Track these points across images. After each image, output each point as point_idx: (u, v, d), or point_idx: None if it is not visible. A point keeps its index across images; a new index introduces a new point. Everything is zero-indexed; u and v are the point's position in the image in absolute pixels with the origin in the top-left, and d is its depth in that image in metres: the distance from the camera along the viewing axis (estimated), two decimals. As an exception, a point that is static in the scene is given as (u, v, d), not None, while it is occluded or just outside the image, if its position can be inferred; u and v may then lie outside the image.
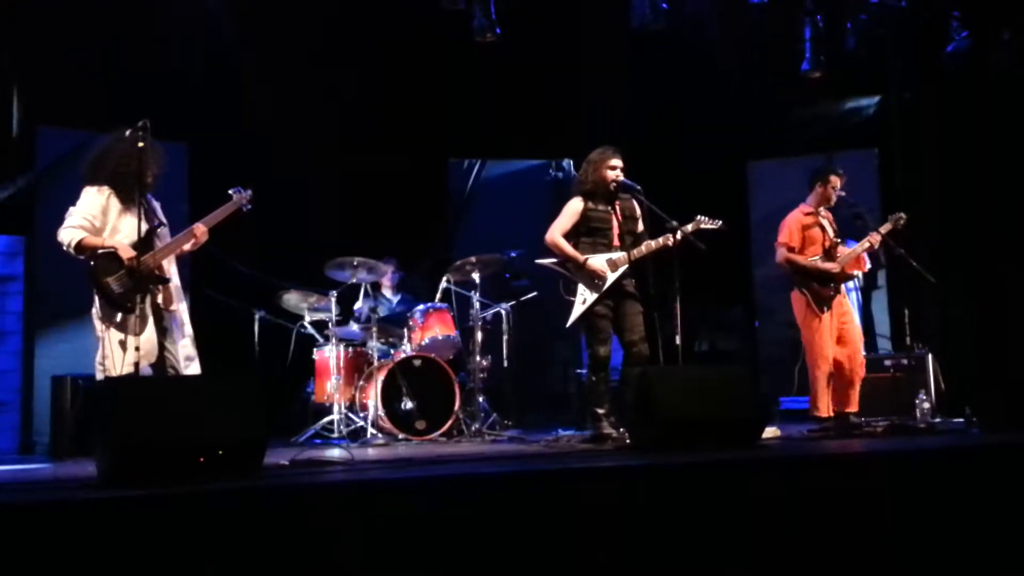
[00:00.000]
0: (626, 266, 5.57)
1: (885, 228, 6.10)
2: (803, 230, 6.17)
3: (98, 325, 4.78)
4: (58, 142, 7.24)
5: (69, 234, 4.75)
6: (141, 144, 4.71)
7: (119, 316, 4.70)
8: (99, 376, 4.71)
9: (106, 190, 4.85)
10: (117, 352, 4.70)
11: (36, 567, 2.66)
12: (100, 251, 4.75)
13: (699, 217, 5.59)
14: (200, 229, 5.04)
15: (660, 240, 5.53)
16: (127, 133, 4.70)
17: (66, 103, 7.10)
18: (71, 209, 4.84)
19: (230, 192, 5.21)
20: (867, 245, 6.08)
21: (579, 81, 8.42)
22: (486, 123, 8.68)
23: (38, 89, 7.10)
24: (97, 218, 4.81)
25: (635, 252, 5.58)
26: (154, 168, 4.94)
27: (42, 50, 6.95)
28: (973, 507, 3.81)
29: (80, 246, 4.75)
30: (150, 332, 4.79)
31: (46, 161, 7.22)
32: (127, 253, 4.73)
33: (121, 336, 4.71)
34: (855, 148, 8.51)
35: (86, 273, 4.78)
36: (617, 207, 5.67)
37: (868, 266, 6.31)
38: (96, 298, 4.76)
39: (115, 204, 4.86)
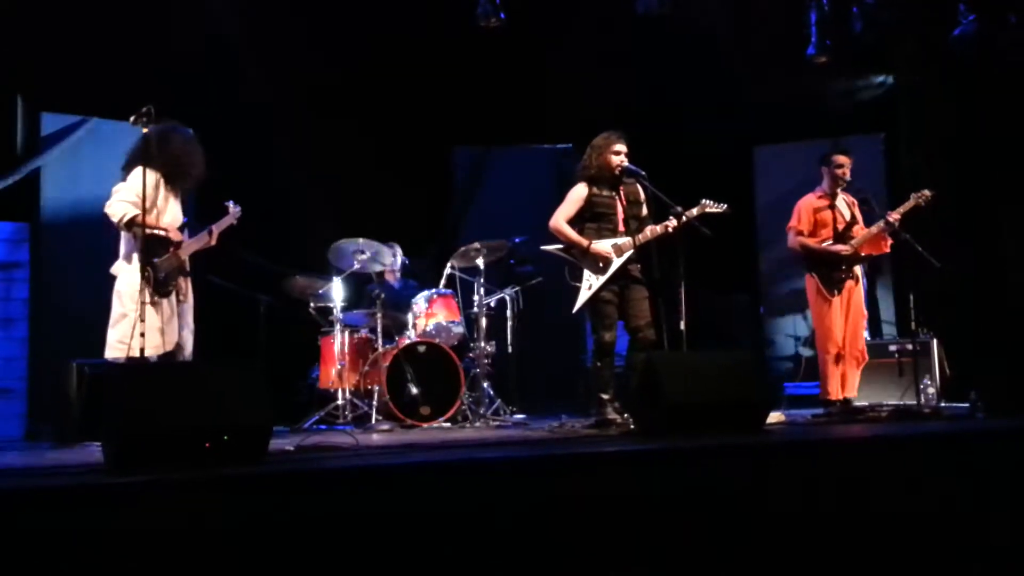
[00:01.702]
0: (631, 251, 5.56)
1: (903, 208, 6.05)
2: (814, 213, 6.17)
3: (128, 305, 4.83)
4: (62, 128, 7.25)
5: (122, 208, 4.84)
6: (145, 130, 4.77)
7: (156, 298, 4.85)
8: (118, 355, 4.75)
9: (157, 175, 4.95)
10: (152, 335, 4.82)
11: (43, 552, 2.67)
12: (152, 232, 4.88)
13: (704, 201, 5.58)
14: (215, 233, 5.27)
15: (665, 224, 5.52)
16: (176, 127, 5.00)
17: (69, 90, 7.10)
18: (120, 186, 4.94)
19: (227, 204, 5.39)
20: (883, 225, 6.04)
21: (584, 66, 8.38)
22: (491, 109, 8.66)
23: (41, 76, 7.09)
24: (148, 198, 4.88)
25: (640, 237, 5.56)
26: (202, 165, 5.09)
27: (45, 37, 6.94)
28: (978, 491, 3.81)
29: (132, 222, 4.85)
30: (175, 319, 4.94)
31: (50, 147, 7.22)
32: (176, 237, 4.96)
33: (158, 320, 4.86)
34: (861, 133, 8.49)
35: (139, 251, 4.88)
36: (621, 192, 5.65)
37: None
38: (139, 278, 4.84)
39: (163, 189, 4.98)
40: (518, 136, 9.12)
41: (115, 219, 4.85)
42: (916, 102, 8.44)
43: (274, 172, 7.58)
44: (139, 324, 4.62)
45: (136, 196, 4.82)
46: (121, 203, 4.85)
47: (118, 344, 4.80)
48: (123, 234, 4.99)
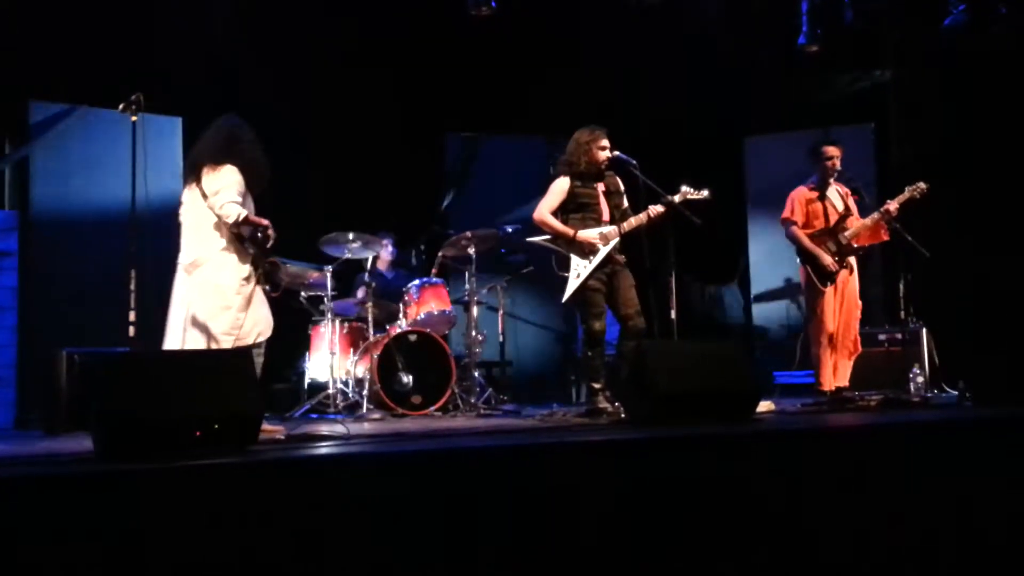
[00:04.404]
0: (617, 239, 5.59)
1: (900, 199, 6.08)
2: (807, 205, 6.19)
3: (233, 298, 4.85)
4: (52, 115, 7.21)
5: (236, 209, 4.84)
6: (134, 119, 4.76)
7: (265, 287, 5.04)
8: (223, 345, 4.76)
9: (239, 171, 4.94)
10: (266, 321, 5.02)
11: (32, 541, 2.66)
12: (262, 226, 4.94)
13: (683, 188, 5.60)
14: None
15: (648, 212, 5.55)
16: (226, 121, 5.04)
17: (58, 77, 7.06)
18: (216, 186, 4.87)
19: None
20: (878, 216, 6.06)
21: (576, 55, 8.38)
22: (483, 97, 8.65)
23: (30, 62, 7.05)
24: (242, 194, 4.92)
25: (625, 225, 5.60)
26: (267, 166, 5.13)
27: (33, 23, 6.89)
28: (964, 479, 3.83)
29: (246, 220, 4.87)
30: None
31: (39, 135, 7.19)
32: (273, 232, 4.97)
33: (267, 307, 5.05)
34: (851, 123, 8.50)
35: (254, 243, 4.94)
36: (603, 184, 5.69)
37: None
38: (247, 270, 4.91)
39: (244, 186, 4.97)
40: (510, 125, 9.11)
41: (231, 220, 4.82)
42: (906, 92, 8.45)
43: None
44: (249, 312, 4.86)
45: (238, 195, 4.86)
46: (232, 204, 4.82)
47: (224, 336, 4.79)
48: (216, 229, 4.90)
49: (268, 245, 4.96)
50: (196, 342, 4.80)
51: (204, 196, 4.90)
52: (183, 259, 4.97)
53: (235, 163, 4.93)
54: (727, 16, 8.27)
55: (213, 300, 4.84)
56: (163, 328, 4.96)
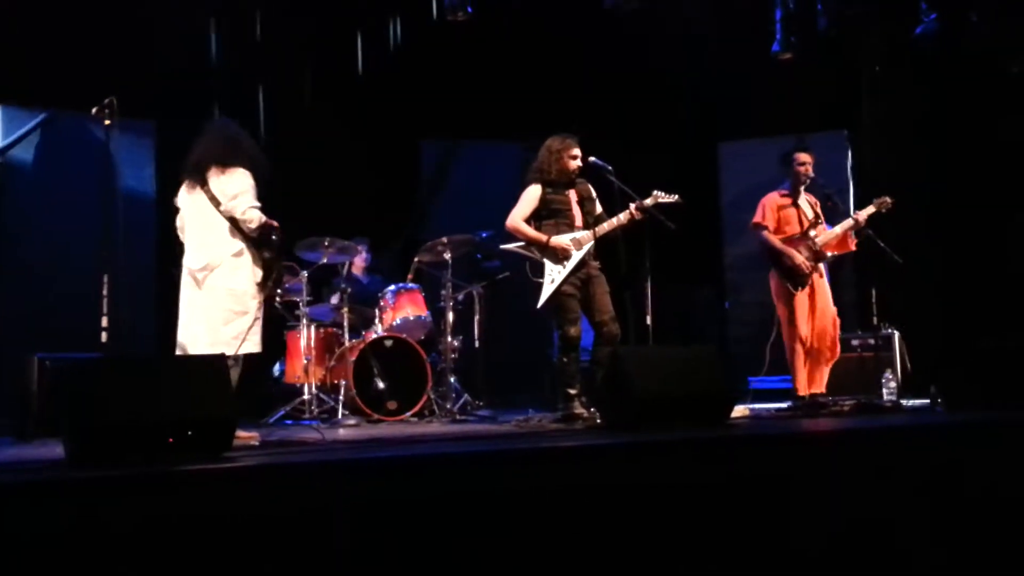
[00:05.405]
0: (591, 244, 5.62)
1: (868, 211, 6.13)
2: (778, 211, 6.23)
3: (250, 303, 4.79)
4: (21, 120, 7.14)
5: (258, 214, 4.78)
6: (108, 122, 4.73)
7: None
8: (230, 351, 4.66)
9: (249, 172, 4.87)
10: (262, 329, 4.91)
11: (3, 549, 2.64)
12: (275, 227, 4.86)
13: (655, 192, 5.63)
14: None
15: (621, 216, 5.59)
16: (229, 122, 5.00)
17: (28, 81, 6.99)
18: (233, 190, 4.78)
19: None
20: (849, 225, 6.12)
21: (551, 61, 8.40)
22: (459, 103, 8.65)
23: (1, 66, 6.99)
24: (258, 197, 4.86)
25: (598, 229, 5.62)
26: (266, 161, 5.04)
27: (3, 26, 6.83)
28: (936, 484, 3.86)
29: (267, 224, 4.81)
30: None
31: (9, 140, 7.11)
32: (281, 234, 4.90)
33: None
34: (825, 129, 8.56)
35: (269, 246, 4.85)
36: (574, 191, 5.72)
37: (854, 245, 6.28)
38: (259, 274, 4.83)
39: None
40: (487, 131, 9.11)
41: (254, 224, 4.76)
42: (881, 99, 8.52)
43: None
44: (259, 320, 4.77)
45: (256, 198, 4.80)
46: (254, 209, 4.76)
47: (232, 340, 4.71)
48: (228, 233, 4.81)
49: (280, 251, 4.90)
50: (212, 349, 4.68)
51: (213, 199, 4.81)
52: (192, 264, 4.84)
53: (244, 165, 4.85)
54: (702, 22, 8.32)
55: (229, 304, 4.76)
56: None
